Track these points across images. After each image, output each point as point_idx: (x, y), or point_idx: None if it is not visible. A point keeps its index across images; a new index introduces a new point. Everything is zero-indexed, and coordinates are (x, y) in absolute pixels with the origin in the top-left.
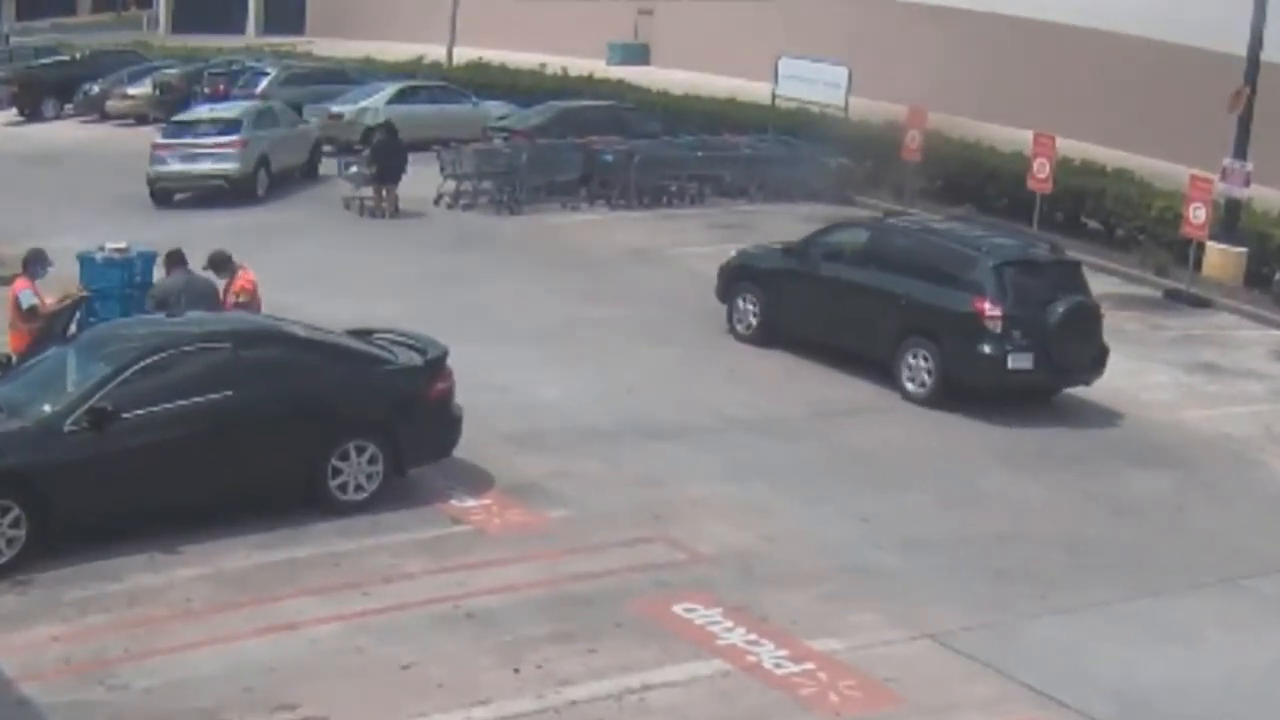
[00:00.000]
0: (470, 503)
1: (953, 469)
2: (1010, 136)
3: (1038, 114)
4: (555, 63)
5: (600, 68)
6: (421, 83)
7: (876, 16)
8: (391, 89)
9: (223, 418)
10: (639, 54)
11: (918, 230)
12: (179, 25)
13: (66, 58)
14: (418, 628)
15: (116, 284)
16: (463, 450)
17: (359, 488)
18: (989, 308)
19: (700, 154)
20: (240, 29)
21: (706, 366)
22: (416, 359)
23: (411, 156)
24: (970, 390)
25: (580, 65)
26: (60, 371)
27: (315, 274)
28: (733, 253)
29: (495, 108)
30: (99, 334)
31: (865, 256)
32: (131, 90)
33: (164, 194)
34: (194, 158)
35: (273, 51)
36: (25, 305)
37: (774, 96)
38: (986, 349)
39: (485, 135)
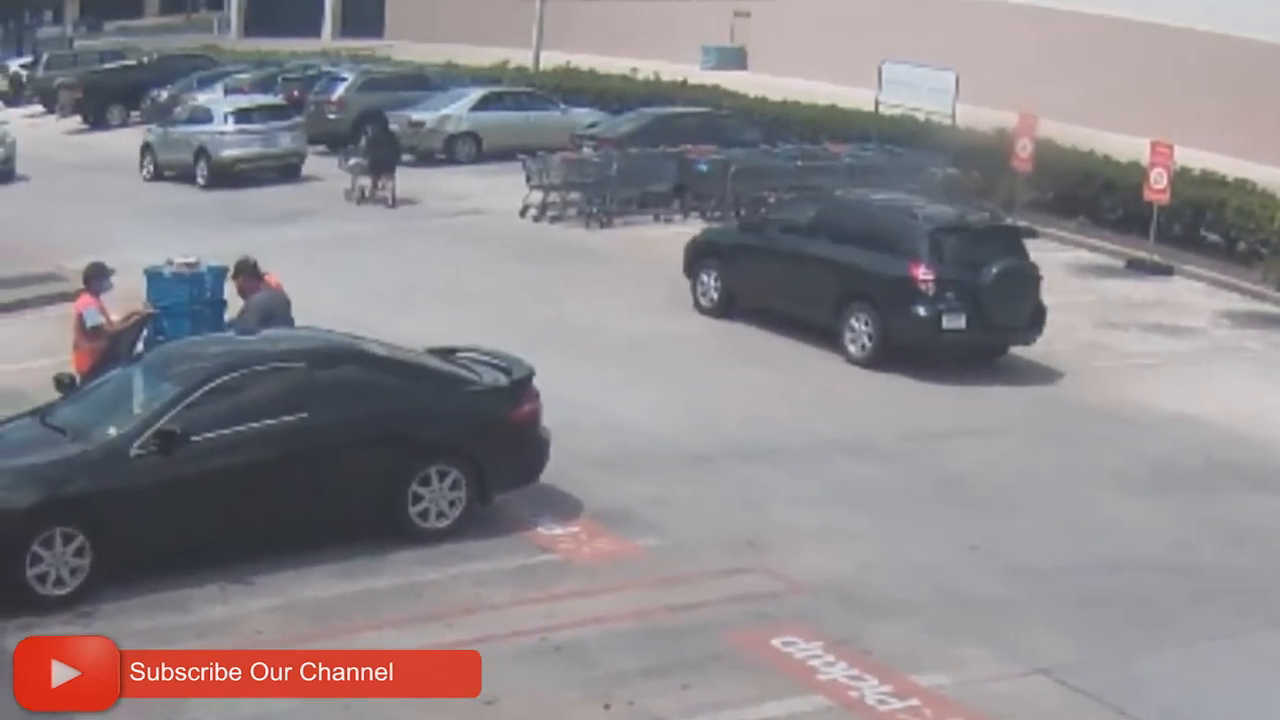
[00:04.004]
0: (558, 530)
1: (1062, 492)
2: (1125, 145)
3: (1154, 121)
4: (647, 67)
5: (694, 73)
6: (507, 89)
7: (985, 19)
8: (475, 95)
9: (297, 441)
10: (735, 58)
11: (862, 201)
12: (251, 28)
13: (133, 62)
14: (503, 661)
15: (185, 300)
16: (550, 475)
17: (441, 515)
18: (923, 271)
19: (800, 164)
20: (316, 32)
21: (801, 385)
22: (502, 379)
23: (497, 166)
24: (908, 351)
25: (673, 70)
26: (126, 393)
27: (392, 288)
28: (698, 231)
29: (584, 115)
30: (167, 353)
31: (814, 229)
32: (201, 96)
33: (238, 176)
34: (273, 139)
35: (350, 56)
36: (90, 324)
37: (877, 103)
38: (921, 311)
39: (573, 144)
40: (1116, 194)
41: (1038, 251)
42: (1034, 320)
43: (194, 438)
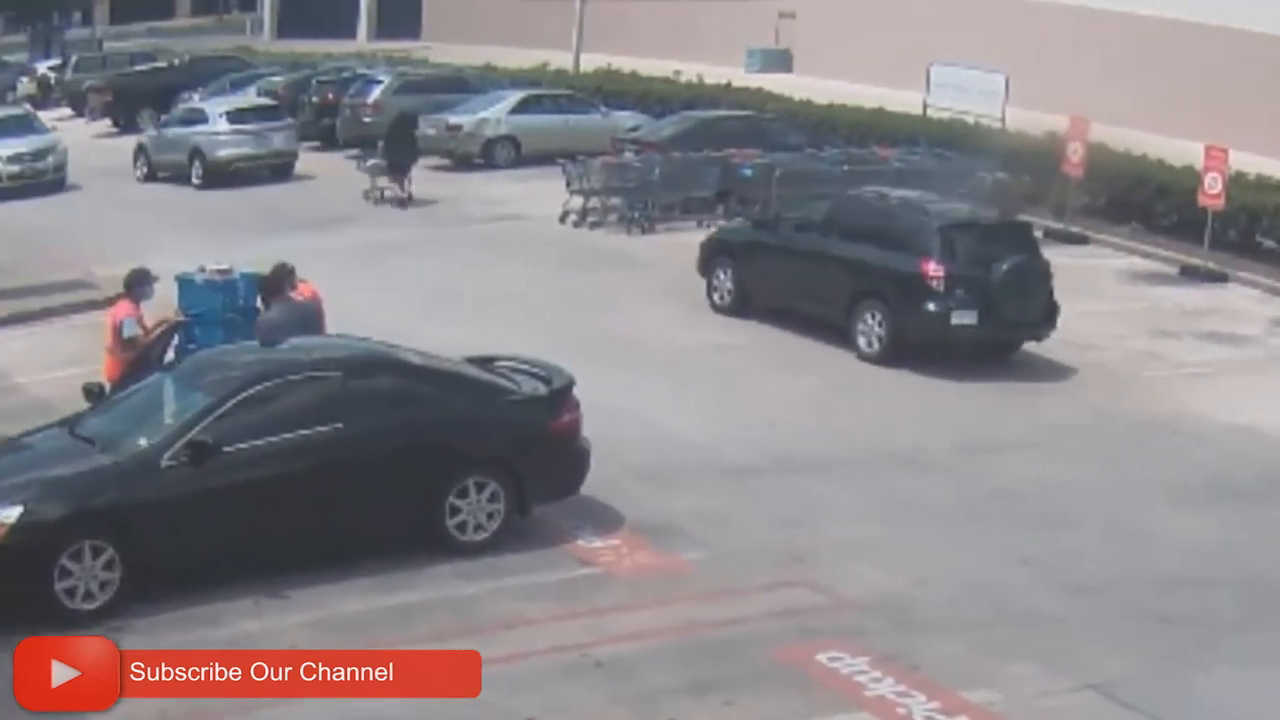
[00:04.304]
0: (598, 543)
1: (1115, 505)
2: (1179, 149)
3: (1208, 124)
4: (690, 70)
5: (738, 75)
6: (546, 91)
7: (1036, 20)
8: (514, 98)
9: (332, 452)
10: (780, 60)
11: (875, 199)
12: (285, 29)
13: (164, 64)
14: (542, 678)
15: (218, 308)
16: (590, 487)
17: (479, 527)
18: (933, 268)
19: (846, 168)
20: (351, 33)
21: (848, 395)
22: (541, 388)
23: (536, 171)
24: (918, 347)
25: (717, 72)
26: (157, 403)
27: (429, 295)
28: (712, 229)
29: (625, 118)
30: (199, 362)
31: (827, 226)
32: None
33: (233, 175)
34: (265, 139)
35: (386, 58)
36: (127, 335)
37: (925, 106)
38: (931, 306)
39: (615, 147)
40: (1170, 199)
41: (1090, 258)
42: (1046, 316)
43: (226, 449)
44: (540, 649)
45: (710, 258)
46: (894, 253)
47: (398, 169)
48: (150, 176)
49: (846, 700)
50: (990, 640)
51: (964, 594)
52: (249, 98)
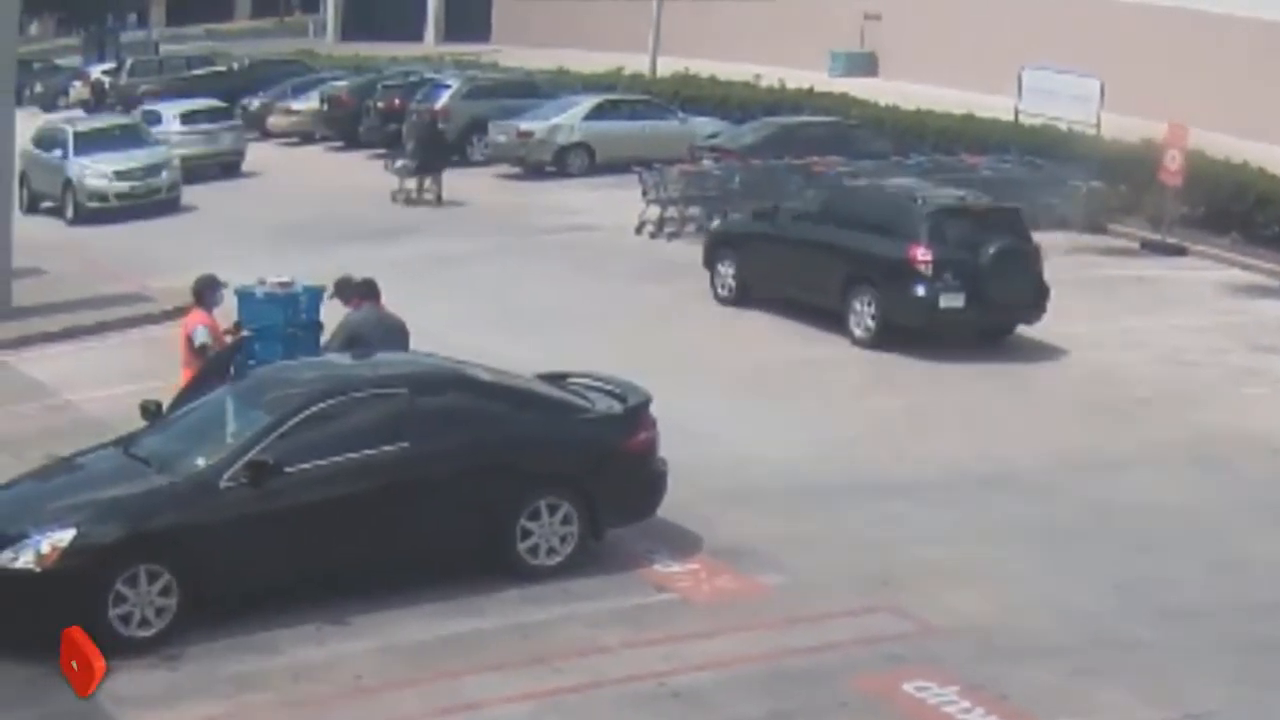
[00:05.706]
0: (675, 568)
1: (1215, 529)
2: None
3: None
4: (770, 74)
5: (821, 79)
6: (621, 96)
7: (1131, 22)
8: (587, 103)
9: (397, 473)
10: (865, 64)
11: (868, 188)
12: (349, 31)
13: (222, 68)
14: (617, 708)
15: (278, 322)
16: (667, 508)
17: (551, 551)
18: (920, 253)
19: (934, 177)
20: (418, 35)
21: (938, 413)
22: (616, 407)
23: (611, 179)
24: (908, 330)
25: (799, 77)
26: (216, 421)
27: (499, 309)
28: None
29: (704, 124)
30: (259, 378)
31: (823, 215)
32: (295, 105)
33: (186, 172)
34: (215, 139)
35: (454, 61)
36: (198, 343)
37: (1017, 112)
38: (919, 291)
39: (693, 155)
40: (1272, 209)
41: (1188, 270)
42: (1036, 299)
43: (287, 469)
44: (615, 678)
45: (712, 250)
46: (885, 239)
47: (427, 170)
48: None
49: None
50: (1082, 668)
51: (1055, 620)
52: (200, 101)
